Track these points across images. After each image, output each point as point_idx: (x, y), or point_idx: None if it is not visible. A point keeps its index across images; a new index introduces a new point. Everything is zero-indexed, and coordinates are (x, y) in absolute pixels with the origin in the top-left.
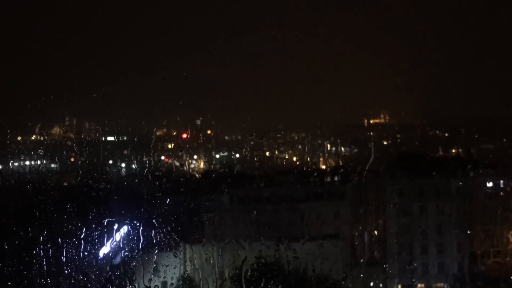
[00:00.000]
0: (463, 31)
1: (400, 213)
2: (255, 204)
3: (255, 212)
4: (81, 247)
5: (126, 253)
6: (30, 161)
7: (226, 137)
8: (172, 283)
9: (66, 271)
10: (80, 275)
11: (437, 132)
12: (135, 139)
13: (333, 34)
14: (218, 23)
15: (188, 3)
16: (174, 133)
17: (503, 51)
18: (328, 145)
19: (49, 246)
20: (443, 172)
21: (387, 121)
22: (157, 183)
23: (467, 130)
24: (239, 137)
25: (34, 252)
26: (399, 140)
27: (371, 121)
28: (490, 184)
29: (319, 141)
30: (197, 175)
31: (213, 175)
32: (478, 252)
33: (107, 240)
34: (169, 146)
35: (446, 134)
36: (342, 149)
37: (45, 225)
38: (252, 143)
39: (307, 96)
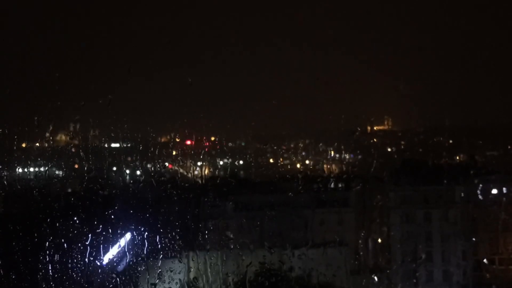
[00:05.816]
0: (467, 39)
1: (404, 220)
2: (259, 211)
3: (259, 218)
4: (86, 252)
5: (131, 259)
6: (36, 167)
7: (230, 144)
8: None
9: (71, 277)
10: (85, 281)
11: (441, 138)
12: (140, 146)
13: (337, 43)
14: (225, 31)
15: (194, 11)
16: (178, 140)
17: (507, 59)
18: (332, 152)
19: (54, 251)
20: (447, 179)
21: (390, 127)
22: (162, 189)
23: (471, 137)
24: (243, 144)
25: (40, 257)
26: (402, 147)
27: (375, 128)
28: (494, 191)
29: (323, 148)
30: (201, 182)
31: (217, 182)
32: (482, 259)
33: (112, 246)
34: (174, 152)
35: (450, 141)
36: (346, 155)
37: (50, 231)
38: (255, 150)
39: (311, 103)
